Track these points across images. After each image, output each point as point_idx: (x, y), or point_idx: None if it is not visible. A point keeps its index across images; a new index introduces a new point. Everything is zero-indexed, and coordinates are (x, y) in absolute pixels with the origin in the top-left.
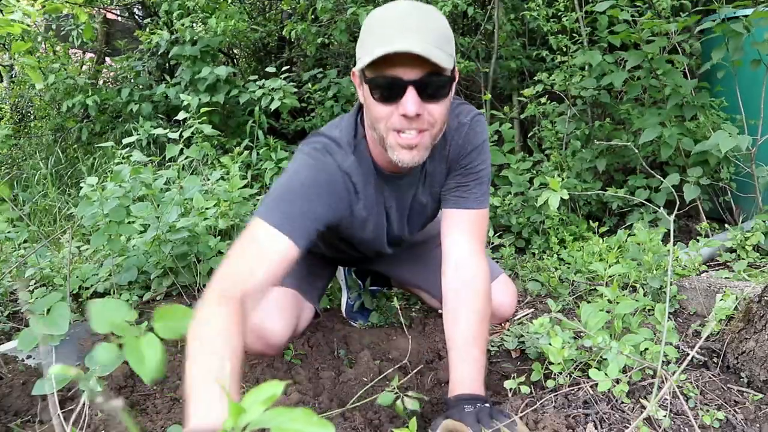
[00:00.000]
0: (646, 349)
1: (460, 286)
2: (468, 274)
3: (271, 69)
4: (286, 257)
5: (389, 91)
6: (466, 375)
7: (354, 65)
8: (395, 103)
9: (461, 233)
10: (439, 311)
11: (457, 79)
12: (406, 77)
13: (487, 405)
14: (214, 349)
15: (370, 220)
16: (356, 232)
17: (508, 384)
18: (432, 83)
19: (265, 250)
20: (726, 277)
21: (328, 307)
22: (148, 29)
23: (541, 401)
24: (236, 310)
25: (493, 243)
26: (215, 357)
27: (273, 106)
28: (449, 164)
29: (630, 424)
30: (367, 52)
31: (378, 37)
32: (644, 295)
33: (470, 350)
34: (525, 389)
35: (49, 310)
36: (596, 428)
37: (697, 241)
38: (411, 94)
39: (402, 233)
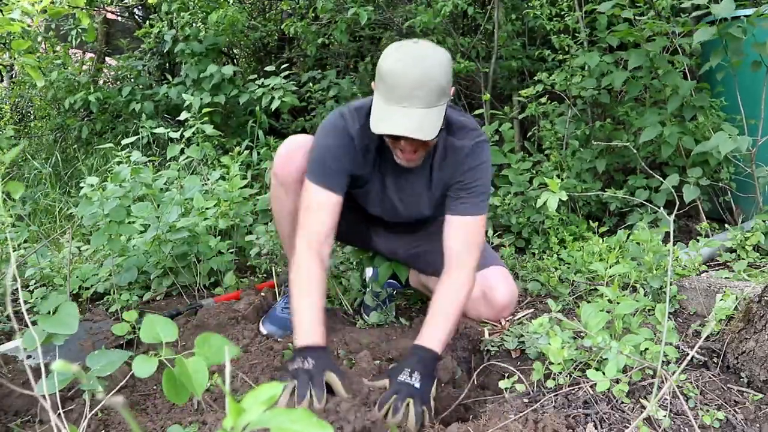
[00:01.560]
0: (646, 349)
1: (439, 292)
2: (444, 285)
3: (270, 68)
4: (335, 202)
5: (390, 137)
6: (427, 333)
7: (356, 64)
8: (397, 142)
9: (454, 236)
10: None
11: (451, 96)
12: (404, 136)
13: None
14: (307, 289)
15: (367, 178)
16: (359, 187)
17: (502, 384)
18: (424, 140)
19: (321, 204)
20: (726, 277)
21: (329, 307)
22: (148, 23)
23: (541, 401)
24: (318, 255)
25: (493, 243)
26: (307, 294)
27: (273, 105)
28: (450, 176)
29: (630, 424)
30: (380, 96)
31: (387, 94)
32: (644, 295)
33: (436, 316)
34: (520, 387)
35: (55, 310)
36: (596, 428)
37: (697, 241)
38: (408, 149)
39: (399, 209)
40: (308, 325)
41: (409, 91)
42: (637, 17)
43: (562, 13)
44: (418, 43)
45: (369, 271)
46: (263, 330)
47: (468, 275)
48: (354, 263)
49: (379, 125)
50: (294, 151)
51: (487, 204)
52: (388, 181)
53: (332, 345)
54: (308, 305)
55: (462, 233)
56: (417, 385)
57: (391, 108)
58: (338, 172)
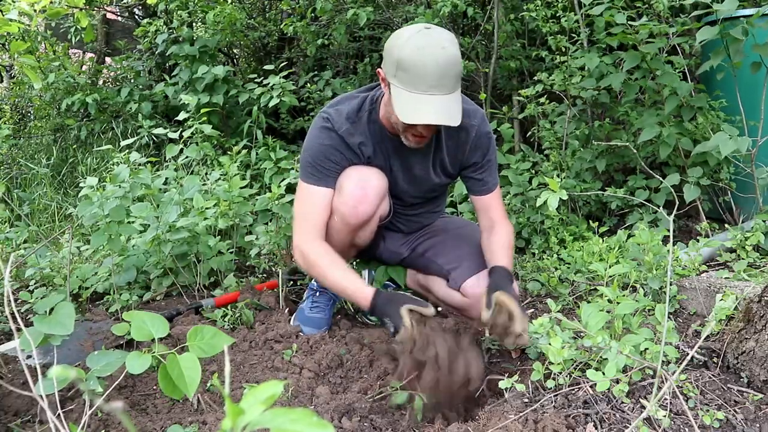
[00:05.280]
0: (646, 349)
1: (493, 240)
2: (495, 235)
3: (269, 66)
4: (329, 196)
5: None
6: (499, 260)
7: (356, 65)
8: (412, 127)
9: (487, 211)
10: (439, 308)
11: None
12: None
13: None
14: (334, 261)
15: (375, 160)
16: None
17: (503, 384)
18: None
19: (317, 202)
20: (726, 277)
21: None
22: (146, 21)
23: (541, 401)
24: (324, 242)
25: None
26: (338, 265)
27: (271, 104)
28: (466, 154)
29: (630, 424)
30: (402, 86)
31: (412, 84)
32: (644, 296)
33: (502, 258)
34: (520, 387)
35: (52, 310)
36: (596, 428)
37: (697, 241)
38: (425, 133)
39: (408, 189)
40: (361, 284)
41: (437, 80)
42: (632, 21)
43: (558, 14)
44: (431, 29)
45: (365, 274)
46: (299, 328)
47: (510, 229)
48: (354, 264)
49: (413, 116)
50: (366, 196)
51: (497, 169)
52: (394, 164)
53: (333, 344)
54: (349, 275)
55: (494, 205)
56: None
57: (417, 97)
58: (330, 170)
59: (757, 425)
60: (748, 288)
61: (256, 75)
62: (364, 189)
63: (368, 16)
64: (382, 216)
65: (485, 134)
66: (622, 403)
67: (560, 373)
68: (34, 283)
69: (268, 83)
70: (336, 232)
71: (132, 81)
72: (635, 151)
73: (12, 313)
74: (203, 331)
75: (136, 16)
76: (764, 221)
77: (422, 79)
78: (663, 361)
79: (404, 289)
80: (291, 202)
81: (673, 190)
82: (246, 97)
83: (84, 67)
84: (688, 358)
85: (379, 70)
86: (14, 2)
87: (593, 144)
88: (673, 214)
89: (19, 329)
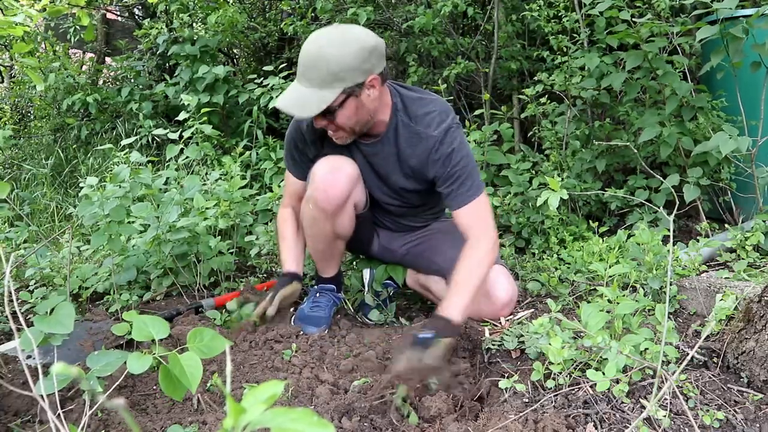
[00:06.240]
0: (646, 349)
1: (461, 261)
2: (466, 255)
3: (269, 67)
4: (300, 183)
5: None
6: (446, 302)
7: None
8: (314, 119)
9: (462, 224)
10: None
11: (363, 90)
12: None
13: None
14: (285, 231)
15: (336, 153)
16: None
17: (502, 384)
18: (320, 114)
19: (291, 184)
20: (726, 277)
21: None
22: (147, 23)
23: (541, 401)
24: (291, 211)
25: None
26: (285, 234)
27: (271, 105)
28: (424, 162)
29: (630, 424)
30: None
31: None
32: (644, 296)
33: (456, 286)
34: (520, 387)
35: (53, 310)
36: (596, 428)
37: (697, 241)
38: (320, 123)
39: (378, 188)
40: (287, 258)
41: (302, 70)
42: (634, 19)
43: (560, 14)
44: (339, 27)
45: (366, 273)
46: (300, 328)
47: (486, 248)
48: (354, 264)
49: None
50: (336, 180)
51: (477, 181)
52: (358, 159)
53: (333, 344)
54: (284, 246)
55: (468, 220)
56: (420, 336)
57: (293, 84)
58: (298, 161)
59: (757, 425)
60: (748, 288)
61: (256, 75)
62: (334, 174)
63: (368, 16)
64: (358, 205)
65: (446, 146)
66: (622, 403)
67: (560, 373)
68: (34, 283)
69: (268, 84)
70: (314, 222)
71: (132, 81)
72: (635, 151)
73: (13, 313)
74: (203, 333)
75: (136, 16)
76: (764, 221)
77: (298, 66)
78: (663, 361)
79: (402, 287)
80: None
81: (673, 190)
82: (246, 97)
83: (84, 67)
84: (688, 358)
85: None
86: (20, 4)
87: (593, 144)
88: (673, 214)
89: (19, 329)
